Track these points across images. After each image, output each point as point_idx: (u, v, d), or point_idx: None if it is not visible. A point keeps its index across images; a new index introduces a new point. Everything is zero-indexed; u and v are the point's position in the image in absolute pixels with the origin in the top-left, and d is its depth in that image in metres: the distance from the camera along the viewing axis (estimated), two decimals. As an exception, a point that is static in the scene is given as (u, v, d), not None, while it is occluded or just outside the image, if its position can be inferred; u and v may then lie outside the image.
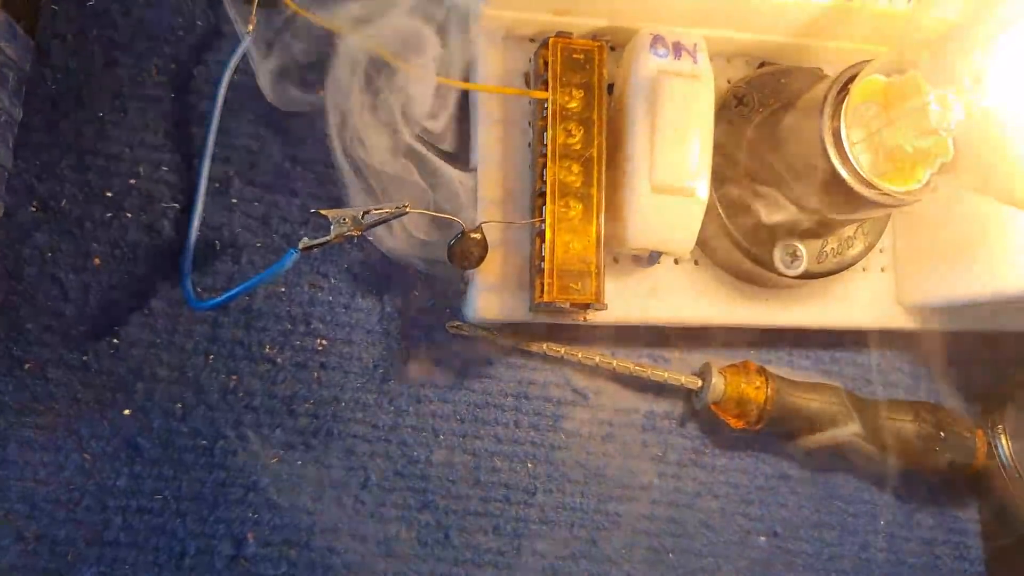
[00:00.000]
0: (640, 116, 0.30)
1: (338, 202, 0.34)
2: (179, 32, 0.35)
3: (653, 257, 0.33)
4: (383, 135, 0.33)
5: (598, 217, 0.31)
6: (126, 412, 0.33)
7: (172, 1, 0.35)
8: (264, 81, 0.33)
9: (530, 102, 0.34)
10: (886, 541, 0.39)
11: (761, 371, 0.36)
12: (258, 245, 0.35)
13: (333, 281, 0.35)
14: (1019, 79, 0.27)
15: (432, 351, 0.36)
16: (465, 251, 0.31)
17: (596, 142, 0.31)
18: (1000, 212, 0.32)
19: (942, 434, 0.36)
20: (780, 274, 0.34)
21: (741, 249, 0.34)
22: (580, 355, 0.35)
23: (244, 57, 0.34)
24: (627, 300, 0.34)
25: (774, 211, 0.32)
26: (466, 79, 0.34)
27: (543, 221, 0.31)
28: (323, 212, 0.29)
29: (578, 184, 0.31)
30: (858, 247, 0.35)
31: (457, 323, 0.35)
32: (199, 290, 0.34)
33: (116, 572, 0.32)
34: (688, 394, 0.37)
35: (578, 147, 0.31)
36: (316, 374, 0.35)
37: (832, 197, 0.30)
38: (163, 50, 0.35)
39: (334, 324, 0.35)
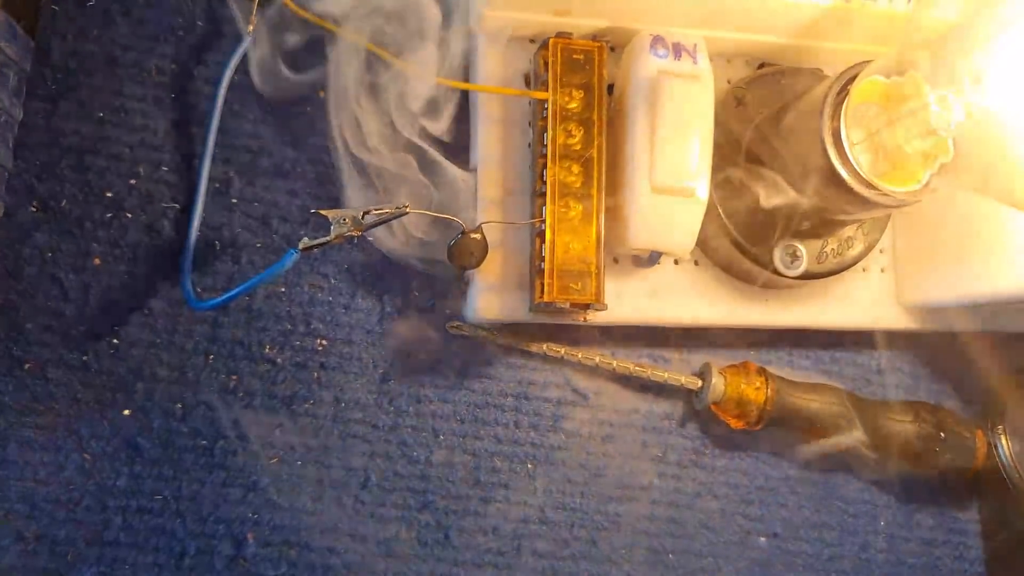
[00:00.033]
0: (640, 117, 0.30)
1: (338, 202, 0.34)
2: (179, 32, 0.35)
3: (653, 257, 0.33)
4: (385, 132, 0.33)
5: (598, 217, 0.31)
6: (126, 412, 0.33)
7: (172, 1, 0.35)
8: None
9: (530, 103, 0.34)
10: (886, 542, 0.39)
11: (761, 372, 0.36)
12: (258, 245, 0.35)
13: (333, 281, 0.35)
14: (1019, 80, 0.27)
15: (432, 351, 0.36)
16: (465, 251, 0.31)
17: (596, 143, 0.31)
18: (1000, 213, 0.32)
19: (942, 435, 0.36)
20: (780, 274, 0.34)
21: (741, 249, 0.34)
22: (580, 355, 0.35)
23: (244, 57, 0.34)
24: (627, 300, 0.34)
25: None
26: (466, 79, 0.34)
27: (543, 221, 0.31)
28: (323, 212, 0.29)
29: (578, 184, 0.31)
30: (858, 248, 0.35)
31: (457, 323, 0.35)
32: (199, 290, 0.34)
33: (116, 572, 0.32)
34: (688, 394, 0.37)
35: (578, 147, 0.31)
36: (316, 374, 0.35)
37: (832, 197, 0.30)
38: (163, 50, 0.35)
39: (334, 324, 0.35)
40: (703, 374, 0.36)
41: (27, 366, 0.32)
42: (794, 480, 0.38)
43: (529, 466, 0.36)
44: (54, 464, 0.32)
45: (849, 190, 0.29)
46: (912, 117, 0.27)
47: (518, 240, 0.33)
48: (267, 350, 0.34)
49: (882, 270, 0.38)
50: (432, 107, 0.33)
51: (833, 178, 0.29)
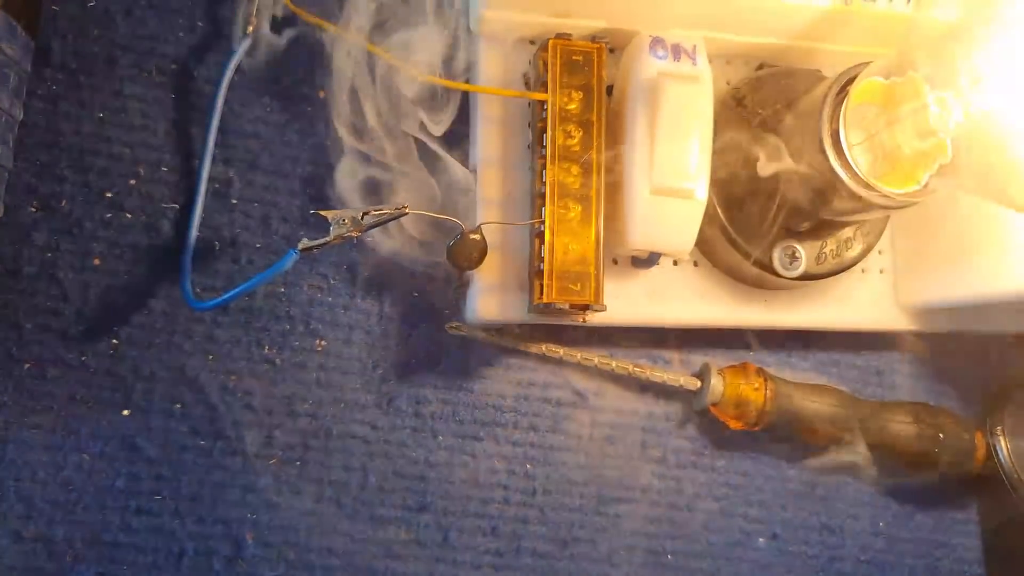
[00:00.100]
0: (639, 118, 0.30)
1: (338, 203, 0.34)
2: (179, 32, 0.35)
3: (652, 258, 0.33)
4: (387, 130, 0.33)
5: (597, 218, 0.31)
6: (125, 412, 0.33)
7: (173, 2, 0.35)
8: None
9: (529, 104, 0.34)
10: (885, 543, 0.39)
11: (760, 372, 0.36)
12: (258, 245, 0.35)
13: (332, 282, 0.35)
14: (1018, 81, 0.27)
15: (431, 352, 0.36)
16: (464, 252, 0.31)
17: (595, 144, 0.31)
18: (998, 214, 0.32)
19: (941, 435, 0.36)
20: (779, 275, 0.34)
21: (740, 250, 0.34)
22: (579, 356, 0.35)
23: (244, 57, 0.34)
24: (626, 301, 0.34)
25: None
26: (466, 80, 0.34)
27: (542, 222, 0.31)
28: (322, 213, 0.29)
29: (577, 185, 0.31)
30: (857, 248, 0.35)
31: (456, 324, 0.35)
32: (198, 290, 0.34)
33: (115, 572, 0.32)
34: (687, 395, 0.37)
35: (577, 149, 0.31)
36: (315, 375, 0.35)
37: (831, 198, 0.30)
38: (163, 50, 0.35)
39: (333, 325, 0.35)
40: (702, 375, 0.36)
41: (26, 366, 0.32)
42: (793, 481, 0.38)
43: (528, 467, 0.36)
44: (53, 464, 0.32)
45: (848, 191, 0.29)
46: (911, 118, 0.27)
47: (517, 241, 0.33)
48: (266, 350, 0.34)
49: (881, 271, 0.38)
50: (433, 105, 0.33)
51: (832, 179, 0.29)
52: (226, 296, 0.30)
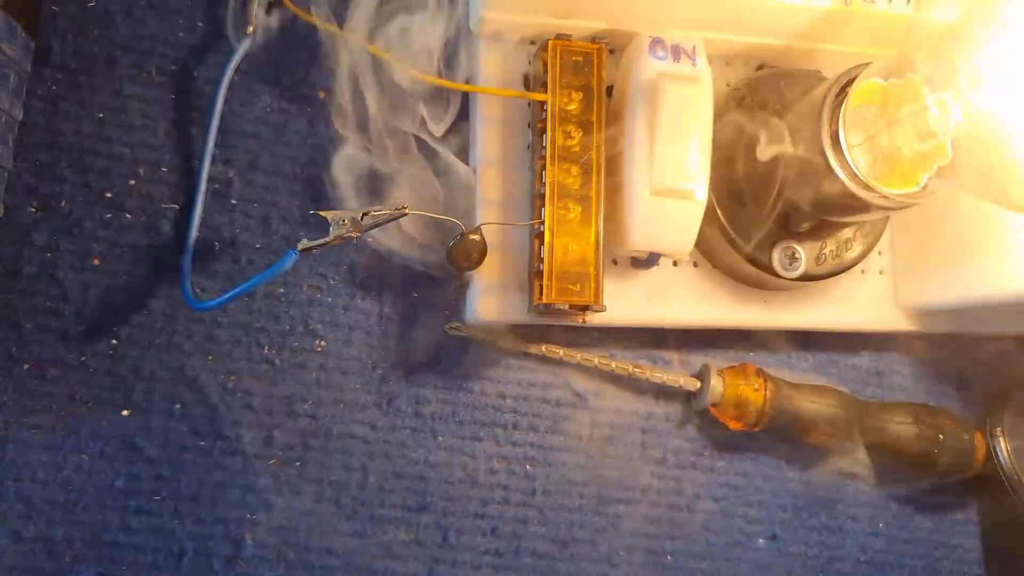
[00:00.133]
0: (639, 118, 0.30)
1: (338, 200, 0.34)
2: (179, 33, 0.35)
3: (652, 259, 0.33)
4: (390, 128, 0.33)
5: (597, 219, 0.31)
6: (125, 412, 0.33)
7: (173, 2, 0.35)
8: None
9: (529, 104, 0.34)
10: (885, 543, 0.39)
11: (760, 373, 0.36)
12: (257, 246, 0.35)
13: (332, 282, 0.35)
14: (1018, 82, 0.27)
15: (431, 352, 0.36)
16: (464, 252, 0.31)
17: (595, 144, 0.31)
18: (998, 215, 0.32)
19: (941, 436, 0.36)
20: (779, 276, 0.34)
21: (740, 251, 0.34)
22: (579, 357, 0.35)
23: (244, 58, 0.34)
24: (626, 302, 0.34)
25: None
26: (466, 80, 0.34)
27: (542, 223, 0.31)
28: (322, 213, 0.29)
29: (577, 186, 0.31)
30: (857, 249, 0.35)
31: (456, 324, 0.35)
32: (198, 290, 0.34)
33: (114, 573, 0.32)
34: (687, 396, 0.37)
35: (577, 149, 0.31)
36: (315, 375, 0.35)
37: (831, 200, 0.30)
38: (163, 51, 0.35)
39: (333, 325, 0.35)
40: (702, 375, 0.36)
41: (26, 366, 0.32)
42: (793, 482, 0.38)
43: (528, 467, 0.36)
44: (52, 464, 0.32)
45: (847, 192, 0.29)
46: (910, 120, 0.27)
47: (517, 241, 0.33)
48: (266, 351, 0.34)
49: (881, 272, 0.38)
50: (435, 102, 0.33)
51: (832, 180, 0.29)
52: (226, 296, 0.30)
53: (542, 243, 0.31)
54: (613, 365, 0.36)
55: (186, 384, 0.33)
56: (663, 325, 0.36)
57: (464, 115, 0.35)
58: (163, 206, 0.34)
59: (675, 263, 0.35)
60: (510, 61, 0.34)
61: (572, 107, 0.31)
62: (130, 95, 0.35)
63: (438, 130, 0.34)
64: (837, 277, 0.35)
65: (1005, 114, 0.27)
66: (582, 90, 0.31)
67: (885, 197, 0.28)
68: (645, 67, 0.31)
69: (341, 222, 0.29)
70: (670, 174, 0.30)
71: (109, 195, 0.34)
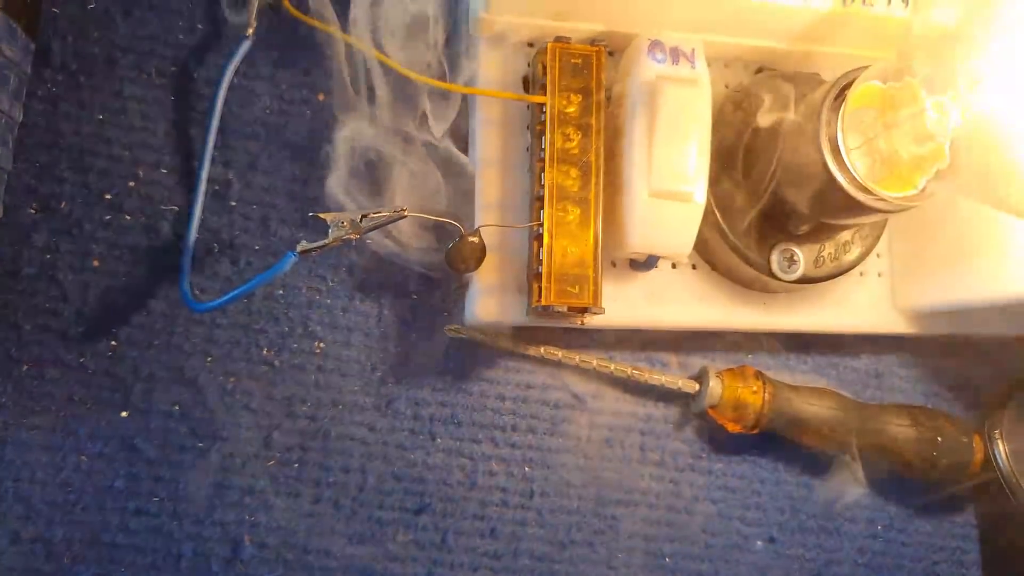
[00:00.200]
0: (638, 121, 0.30)
1: (336, 205, 0.34)
2: (179, 34, 0.35)
3: (651, 261, 0.33)
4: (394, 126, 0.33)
5: (596, 221, 0.31)
6: (124, 413, 0.33)
7: (173, 3, 0.35)
8: None
9: (528, 106, 0.34)
10: (883, 545, 0.39)
11: (758, 375, 0.36)
12: (256, 247, 0.35)
13: (331, 284, 0.35)
14: (1016, 85, 0.27)
15: (430, 354, 0.36)
16: (463, 255, 0.31)
17: (594, 146, 0.31)
18: (996, 218, 0.32)
19: (939, 439, 0.36)
20: (777, 278, 0.34)
21: (738, 253, 0.34)
22: (578, 359, 0.35)
23: (244, 59, 0.34)
24: (625, 304, 0.34)
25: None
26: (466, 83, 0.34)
27: (541, 225, 0.31)
28: (321, 215, 0.29)
29: (576, 188, 0.31)
30: (855, 252, 0.35)
31: (455, 326, 0.35)
32: (197, 292, 0.34)
33: (113, 574, 0.32)
34: (686, 398, 0.37)
35: (576, 151, 0.31)
36: (314, 376, 0.35)
37: (829, 202, 0.30)
38: (163, 52, 0.35)
39: (332, 327, 0.35)
40: (700, 378, 0.36)
41: (25, 367, 0.32)
42: (791, 484, 0.38)
43: (527, 469, 0.36)
44: (52, 465, 0.32)
45: (846, 195, 0.29)
46: (909, 122, 0.28)
47: (516, 243, 0.33)
48: (265, 352, 0.34)
49: (879, 274, 0.38)
50: (437, 99, 0.34)
51: (830, 183, 0.29)
52: (225, 298, 0.30)
53: (541, 245, 0.31)
54: (612, 367, 0.36)
55: (185, 385, 0.33)
56: (662, 327, 0.36)
57: (465, 111, 0.35)
58: (162, 207, 0.34)
59: (674, 265, 0.35)
60: (509, 63, 0.34)
61: (571, 109, 0.31)
62: (130, 96, 0.35)
63: (438, 129, 0.34)
64: (836, 279, 0.35)
65: (1004, 116, 0.27)
66: (581, 92, 0.31)
67: (883, 200, 0.28)
68: (644, 69, 0.31)
69: (340, 224, 0.29)
70: (669, 176, 0.30)
71: (109, 196, 0.34)
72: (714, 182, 0.33)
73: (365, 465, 0.34)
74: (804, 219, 0.33)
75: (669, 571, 0.36)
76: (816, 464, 0.38)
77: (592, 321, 0.33)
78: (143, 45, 0.35)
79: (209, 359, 0.34)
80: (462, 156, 0.34)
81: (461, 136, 0.35)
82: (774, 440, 0.38)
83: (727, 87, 0.36)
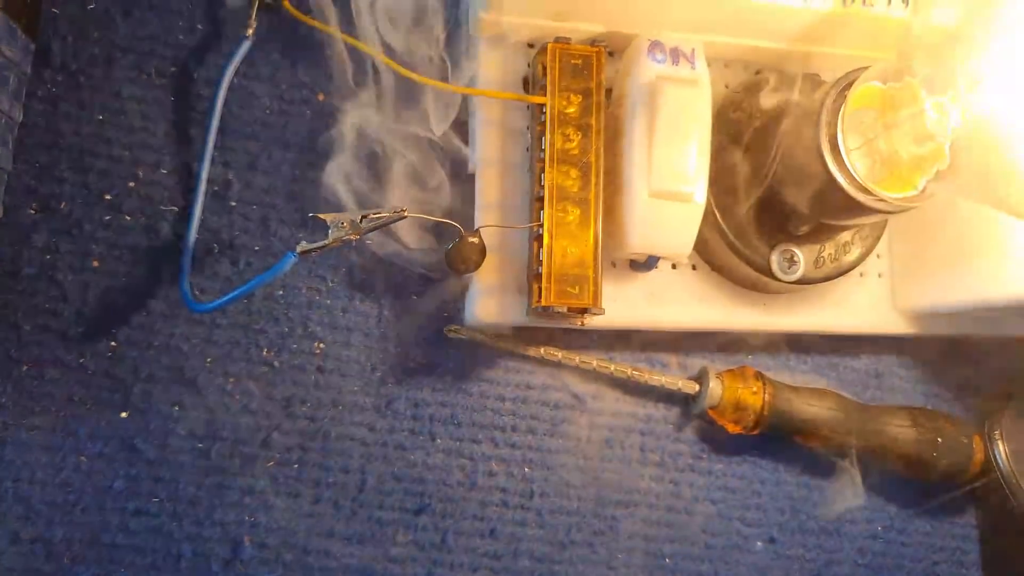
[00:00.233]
0: (638, 121, 0.30)
1: (336, 206, 0.34)
2: (179, 35, 0.35)
3: (651, 262, 0.33)
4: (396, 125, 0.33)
5: (596, 222, 0.31)
6: (123, 414, 0.33)
7: (172, 3, 0.35)
8: None
9: (528, 107, 0.34)
10: (883, 546, 0.39)
11: (758, 376, 0.36)
12: (256, 248, 0.35)
13: (331, 284, 0.35)
14: (1016, 85, 0.27)
15: (430, 355, 0.36)
16: (463, 255, 0.31)
17: (594, 147, 0.31)
18: (997, 219, 0.32)
19: (939, 439, 0.36)
20: (777, 279, 0.34)
21: (738, 254, 0.34)
22: (578, 359, 0.35)
23: (244, 60, 0.34)
24: (625, 305, 0.34)
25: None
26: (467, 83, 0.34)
27: (541, 225, 0.31)
28: (321, 216, 0.29)
29: (576, 189, 0.31)
30: (855, 252, 0.35)
31: (455, 327, 0.35)
32: (197, 292, 0.34)
33: (113, 574, 0.32)
34: (686, 399, 0.37)
35: (576, 152, 0.31)
36: (313, 377, 0.35)
37: (829, 203, 0.30)
38: (163, 52, 0.35)
39: (332, 327, 0.35)
40: (700, 379, 0.36)
41: (25, 367, 0.32)
42: (791, 485, 0.38)
43: (527, 470, 0.36)
44: (51, 465, 0.32)
45: (846, 196, 0.29)
46: (909, 123, 0.27)
47: (516, 244, 0.33)
48: (265, 353, 0.34)
49: (879, 275, 0.38)
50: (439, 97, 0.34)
51: (830, 184, 0.29)
52: (225, 298, 0.30)
53: (541, 246, 0.31)
54: (612, 368, 0.36)
55: (185, 385, 0.33)
56: (662, 328, 0.36)
57: (466, 109, 0.35)
58: (162, 208, 0.34)
59: (674, 266, 0.35)
60: (509, 64, 0.34)
61: (571, 110, 0.31)
62: (129, 96, 0.35)
63: (439, 128, 0.34)
64: (836, 280, 0.35)
65: (1004, 117, 0.27)
66: (581, 93, 0.31)
67: (883, 201, 0.28)
68: (644, 70, 0.31)
69: (340, 224, 0.29)
70: (669, 177, 0.30)
71: (108, 197, 0.34)
72: (714, 182, 0.33)
73: (365, 465, 0.34)
74: (804, 220, 0.33)
75: (669, 572, 0.36)
76: (816, 465, 0.38)
77: (592, 322, 0.33)
78: (143, 45, 0.35)
79: (209, 359, 0.34)
80: (465, 149, 0.34)
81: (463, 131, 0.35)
82: (774, 441, 0.38)
83: (727, 87, 0.36)
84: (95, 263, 0.33)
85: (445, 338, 0.35)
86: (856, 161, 0.29)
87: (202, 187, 0.33)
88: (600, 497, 0.36)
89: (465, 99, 0.35)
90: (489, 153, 0.34)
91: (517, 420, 0.36)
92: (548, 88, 0.31)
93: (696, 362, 0.38)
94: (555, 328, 0.36)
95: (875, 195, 0.28)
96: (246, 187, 0.35)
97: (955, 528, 0.40)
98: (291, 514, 0.33)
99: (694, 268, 0.36)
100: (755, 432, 0.36)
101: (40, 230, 0.33)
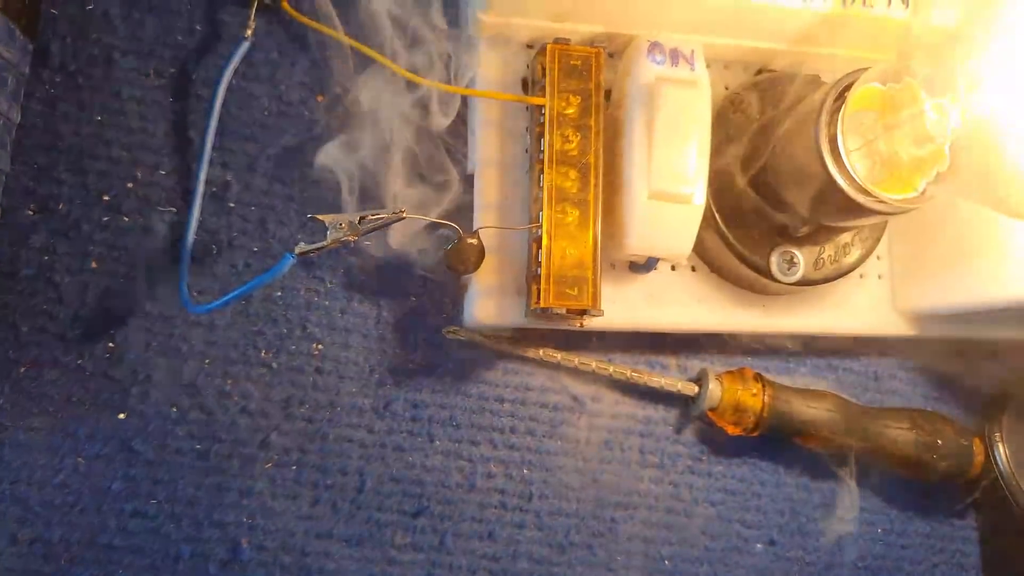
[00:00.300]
0: (637, 122, 0.30)
1: (335, 207, 0.34)
2: (178, 36, 0.35)
3: (650, 263, 0.33)
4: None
5: (595, 223, 0.31)
6: (122, 415, 0.33)
7: (171, 4, 0.35)
8: None
9: (528, 108, 0.34)
10: (883, 548, 0.39)
11: (758, 378, 0.36)
12: (255, 249, 0.35)
13: (329, 285, 0.35)
14: (1015, 87, 0.27)
15: (428, 356, 0.36)
16: (462, 256, 0.31)
17: (593, 148, 0.31)
18: (996, 220, 0.32)
19: (939, 441, 0.36)
20: (777, 280, 0.34)
21: (738, 255, 0.34)
22: (577, 361, 0.35)
23: (242, 61, 0.34)
24: (624, 306, 0.34)
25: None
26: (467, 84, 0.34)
27: (540, 227, 0.31)
28: (320, 217, 0.29)
29: (575, 190, 0.31)
30: (855, 254, 0.35)
31: (454, 328, 0.35)
32: (195, 293, 0.34)
33: (111, 575, 0.32)
34: (685, 401, 0.37)
35: (575, 153, 0.31)
36: (312, 378, 0.34)
37: (829, 204, 0.30)
38: (162, 54, 0.35)
39: (330, 328, 0.35)
40: (700, 380, 0.36)
41: (23, 368, 0.32)
42: (791, 486, 0.38)
43: (525, 471, 0.36)
44: (49, 466, 0.32)
45: (846, 197, 0.29)
46: (908, 124, 0.27)
47: (515, 245, 0.33)
48: (263, 354, 0.34)
49: (879, 276, 0.38)
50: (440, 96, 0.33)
51: (830, 185, 0.29)
52: (223, 299, 0.30)
53: (540, 247, 0.31)
54: (611, 369, 0.35)
55: (183, 387, 0.33)
56: (661, 329, 0.36)
57: (466, 107, 0.35)
58: (161, 209, 0.34)
59: (673, 267, 0.35)
60: (509, 64, 0.34)
61: (570, 111, 0.31)
62: (128, 97, 0.35)
63: (440, 125, 0.34)
64: (835, 281, 0.35)
65: (1003, 118, 0.27)
66: (580, 94, 0.31)
67: (883, 202, 0.28)
68: (643, 71, 0.31)
69: (338, 226, 0.29)
70: (668, 178, 0.30)
71: (107, 197, 0.34)
72: (713, 183, 0.33)
73: (363, 467, 0.34)
74: (804, 221, 0.33)
75: (668, 574, 0.36)
76: (816, 467, 0.38)
77: (591, 323, 0.33)
78: (142, 46, 0.35)
79: (207, 361, 0.34)
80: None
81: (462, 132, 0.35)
82: (774, 443, 0.38)
83: (727, 88, 0.36)
84: (93, 264, 0.33)
85: (444, 339, 0.35)
86: (856, 162, 0.28)
87: (200, 188, 0.33)
88: (599, 499, 0.36)
89: (464, 99, 0.35)
90: (488, 154, 0.34)
91: (516, 422, 0.36)
92: (547, 89, 0.31)
93: (695, 364, 0.38)
94: (554, 329, 0.36)
95: (875, 196, 0.28)
96: (245, 188, 0.35)
97: (955, 530, 0.40)
98: (289, 515, 0.33)
99: (693, 269, 0.36)
100: (755, 434, 0.36)
101: (38, 231, 0.33)
